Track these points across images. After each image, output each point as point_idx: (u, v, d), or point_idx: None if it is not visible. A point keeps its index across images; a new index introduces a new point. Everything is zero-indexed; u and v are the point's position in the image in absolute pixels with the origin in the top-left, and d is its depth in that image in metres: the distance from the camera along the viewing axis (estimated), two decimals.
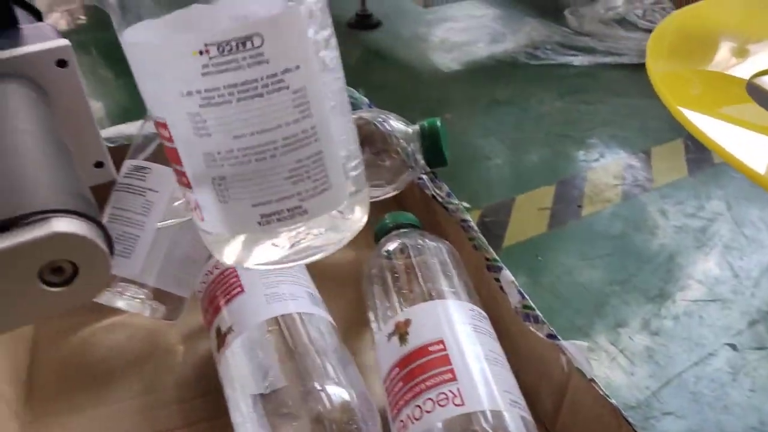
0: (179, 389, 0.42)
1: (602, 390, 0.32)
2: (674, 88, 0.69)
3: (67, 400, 0.41)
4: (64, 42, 0.38)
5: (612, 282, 0.90)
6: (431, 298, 0.36)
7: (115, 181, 0.47)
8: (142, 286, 0.46)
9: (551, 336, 0.36)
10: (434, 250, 0.40)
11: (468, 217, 0.46)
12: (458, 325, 0.34)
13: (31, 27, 0.41)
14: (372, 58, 1.78)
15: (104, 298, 0.46)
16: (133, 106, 1.35)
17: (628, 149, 1.21)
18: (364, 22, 1.96)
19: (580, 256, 0.96)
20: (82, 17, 1.87)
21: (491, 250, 0.42)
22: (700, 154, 1.15)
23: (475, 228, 0.45)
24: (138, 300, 0.46)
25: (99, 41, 1.58)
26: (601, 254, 0.97)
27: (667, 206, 1.06)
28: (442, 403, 0.31)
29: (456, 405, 0.30)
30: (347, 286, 0.49)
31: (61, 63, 0.38)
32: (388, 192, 0.53)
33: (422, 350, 0.33)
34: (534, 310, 0.37)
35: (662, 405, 0.72)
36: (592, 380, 0.32)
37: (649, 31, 1.40)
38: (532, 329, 0.37)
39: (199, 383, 0.44)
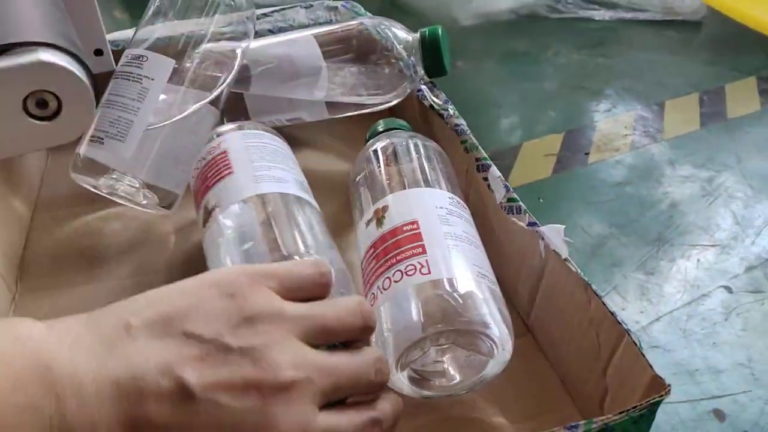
0: (169, 272, 0.44)
1: (574, 266, 0.32)
2: None
3: (58, 276, 0.43)
4: None
5: (611, 225, 0.90)
6: (410, 186, 0.37)
7: (114, 71, 0.48)
8: (134, 177, 0.47)
9: (532, 224, 0.36)
10: (420, 147, 0.41)
11: (462, 121, 0.46)
12: (433, 208, 0.35)
13: None
14: (389, 7, 1.76)
15: (100, 183, 0.47)
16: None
17: (642, 102, 1.20)
18: None
19: (582, 200, 0.96)
20: None
21: (482, 150, 0.43)
22: (715, 108, 1.13)
23: (468, 131, 0.45)
24: (133, 188, 0.47)
25: None
26: (603, 199, 0.97)
27: (676, 157, 1.05)
28: (409, 273, 0.32)
29: (423, 274, 0.31)
30: (339, 195, 0.50)
31: None
32: (386, 101, 0.54)
33: (396, 230, 0.34)
34: (517, 201, 0.38)
35: (650, 339, 0.72)
36: (566, 260, 0.33)
37: None
38: (514, 220, 0.37)
39: (189, 267, 0.45)
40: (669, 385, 0.27)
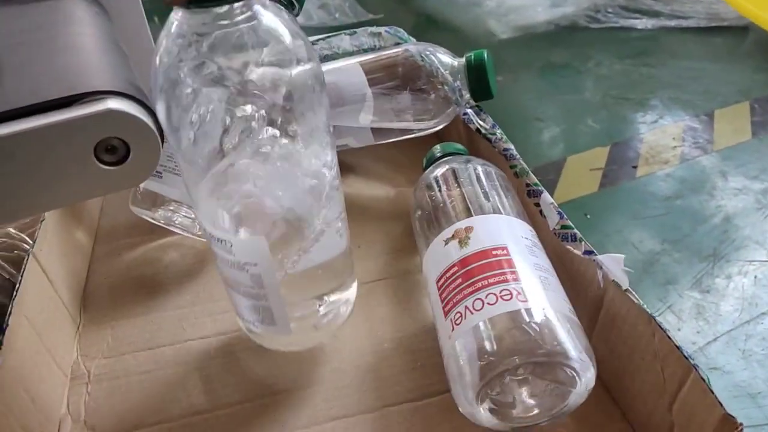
0: (227, 300, 0.45)
1: (637, 298, 0.31)
2: None
3: (119, 307, 0.44)
4: None
5: (664, 241, 0.88)
6: (487, 212, 0.36)
7: None
8: (190, 208, 0.48)
9: (588, 252, 0.35)
10: (483, 171, 0.40)
11: (511, 146, 0.46)
12: (519, 237, 0.35)
13: None
14: (425, 24, 1.77)
15: (158, 215, 0.48)
16: None
17: (690, 111, 1.17)
18: None
19: (632, 215, 0.94)
20: None
21: (532, 175, 0.42)
22: (766, 116, 1.10)
23: (518, 156, 0.45)
24: (189, 219, 0.49)
25: None
26: (654, 214, 0.95)
27: (728, 168, 1.02)
28: (505, 297, 0.31)
29: (521, 301, 0.30)
30: (386, 218, 0.50)
31: None
32: (432, 127, 0.54)
33: (485, 252, 0.33)
34: (572, 228, 0.37)
35: (708, 360, 0.70)
36: (627, 290, 0.32)
37: None
38: (570, 248, 0.37)
39: None
40: (741, 424, 0.26)
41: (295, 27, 0.31)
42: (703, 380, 0.28)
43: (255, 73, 0.29)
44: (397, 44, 0.59)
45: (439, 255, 0.36)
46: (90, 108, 0.27)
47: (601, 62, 1.33)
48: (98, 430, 0.37)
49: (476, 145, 0.52)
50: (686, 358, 0.29)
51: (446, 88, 0.52)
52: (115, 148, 0.29)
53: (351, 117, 0.54)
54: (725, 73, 1.25)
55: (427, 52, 0.53)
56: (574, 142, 1.11)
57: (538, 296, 0.30)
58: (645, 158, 1.01)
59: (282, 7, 0.31)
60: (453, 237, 0.35)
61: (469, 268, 0.33)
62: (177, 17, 0.29)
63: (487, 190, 0.39)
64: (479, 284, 0.32)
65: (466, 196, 0.38)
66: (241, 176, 0.31)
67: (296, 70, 0.30)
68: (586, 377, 0.30)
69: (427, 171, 0.45)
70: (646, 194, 0.94)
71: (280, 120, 0.30)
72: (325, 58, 0.60)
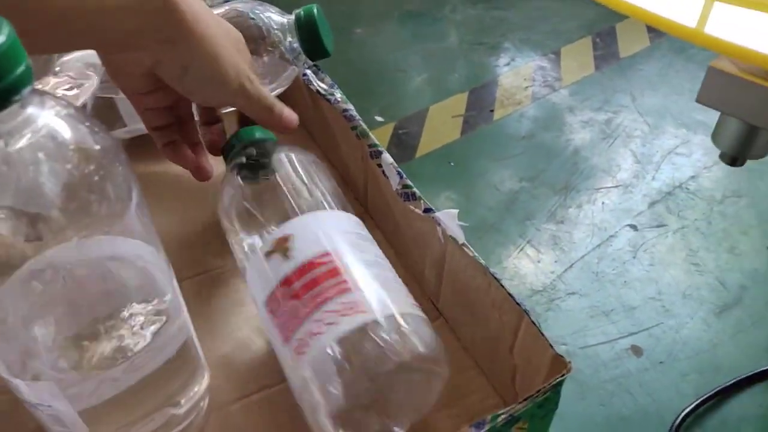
0: None
1: (472, 251, 0.32)
2: None
3: None
4: None
5: (522, 179, 0.92)
6: (305, 210, 0.34)
7: None
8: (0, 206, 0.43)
9: (427, 210, 0.35)
10: (298, 161, 0.38)
11: (350, 106, 0.45)
12: (344, 234, 0.33)
13: None
14: None
15: None
16: None
17: (539, 51, 1.21)
18: None
19: (492, 158, 0.97)
20: None
21: (372, 136, 0.41)
22: (607, 50, 1.17)
23: (357, 116, 0.44)
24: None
25: None
26: (512, 154, 0.98)
27: (575, 103, 1.07)
28: (345, 312, 0.29)
29: (361, 312, 0.28)
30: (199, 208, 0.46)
31: None
32: (273, 90, 0.51)
33: (310, 264, 0.31)
34: (412, 188, 0.37)
35: (566, 286, 0.75)
36: (463, 245, 0.33)
37: None
38: (411, 207, 0.37)
39: None
40: (569, 362, 0.27)
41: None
42: (534, 324, 0.29)
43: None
44: (226, 1, 0.55)
45: (263, 273, 0.32)
46: None
47: (456, 7, 1.35)
48: None
49: (319, 106, 0.50)
50: (518, 304, 0.30)
51: (282, 48, 0.49)
52: None
53: None
54: (569, 9, 1.31)
55: (257, 11, 0.49)
56: (436, 91, 1.12)
57: (379, 300, 0.28)
58: (500, 101, 1.05)
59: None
60: (274, 250, 0.32)
61: (296, 286, 0.30)
62: None
63: (306, 183, 0.37)
64: (314, 302, 0.29)
65: (282, 193, 0.35)
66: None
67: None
68: (442, 369, 0.29)
69: (230, 166, 0.39)
70: (503, 136, 0.97)
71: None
72: None
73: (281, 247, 0.31)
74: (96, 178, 0.24)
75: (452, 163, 0.96)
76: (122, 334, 0.30)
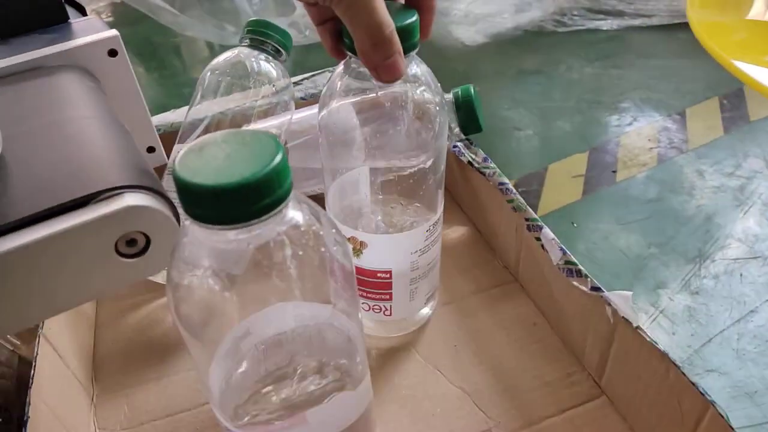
0: None
1: (648, 336, 0.32)
2: (721, 39, 0.66)
3: (130, 374, 0.44)
4: (113, 33, 0.40)
5: (650, 245, 0.90)
6: None
7: (166, 165, 0.49)
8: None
9: (595, 288, 0.36)
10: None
11: (506, 180, 0.47)
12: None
13: (81, 21, 0.43)
14: None
15: (161, 277, 0.48)
16: (164, 98, 1.38)
17: (663, 111, 1.19)
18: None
19: (616, 220, 0.96)
20: (109, 16, 1.91)
21: (530, 210, 0.43)
22: (736, 112, 1.13)
23: (513, 190, 0.46)
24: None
25: (127, 38, 1.61)
26: (637, 218, 0.97)
27: (704, 166, 1.04)
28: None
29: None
30: None
31: (112, 53, 0.40)
32: (425, 161, 0.55)
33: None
34: (576, 264, 0.38)
35: (705, 362, 0.72)
36: (638, 328, 0.33)
37: None
38: (576, 284, 0.38)
39: None
40: None
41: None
42: (722, 417, 0.29)
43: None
44: None
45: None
46: (108, 207, 0.27)
47: (572, 66, 1.36)
48: None
49: (467, 176, 0.53)
50: (702, 394, 0.30)
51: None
52: (135, 241, 0.29)
53: (342, 158, 0.55)
54: (692, 69, 1.28)
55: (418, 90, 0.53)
56: (553, 150, 1.13)
57: None
58: (623, 162, 1.04)
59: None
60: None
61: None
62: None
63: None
64: None
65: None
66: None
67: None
68: None
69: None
70: (628, 198, 0.96)
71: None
72: (311, 97, 0.61)
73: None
74: (330, 264, 0.28)
75: (575, 224, 0.96)
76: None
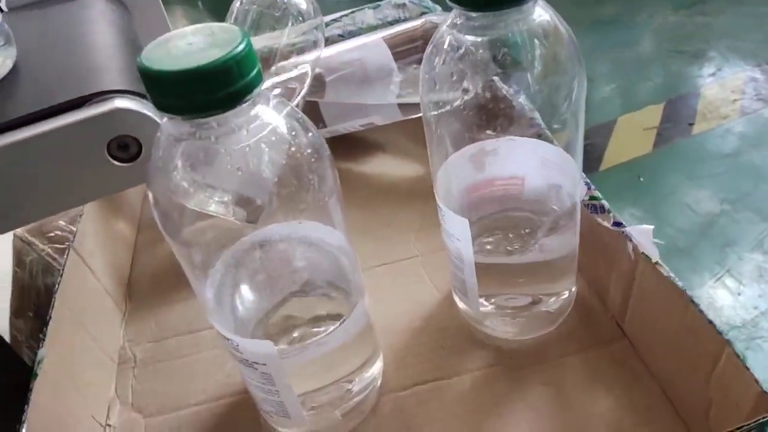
0: None
1: (667, 271, 0.30)
2: None
3: (161, 294, 0.46)
4: None
5: (723, 201, 0.83)
6: None
7: None
8: (225, 191, 0.49)
9: (617, 224, 0.34)
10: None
11: (536, 114, 0.44)
12: None
13: None
14: None
15: (193, 202, 0.50)
16: None
17: (751, 61, 1.09)
18: None
19: (688, 175, 0.90)
20: None
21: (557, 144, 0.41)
22: None
23: (542, 125, 0.43)
24: (223, 204, 0.50)
25: None
26: (712, 173, 0.90)
27: None
28: None
29: None
30: (417, 198, 0.49)
31: None
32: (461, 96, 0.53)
33: None
34: (600, 199, 0.36)
35: None
36: (657, 263, 0.31)
37: None
38: (599, 220, 0.35)
39: None
40: None
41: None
42: (738, 356, 0.27)
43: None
44: (423, 14, 0.57)
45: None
46: (98, 108, 0.28)
47: (654, 13, 1.26)
48: (145, 412, 0.39)
49: (502, 109, 0.51)
50: (719, 333, 0.28)
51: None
52: (127, 146, 0.29)
53: (378, 94, 0.54)
54: None
55: None
56: (626, 101, 1.06)
57: None
58: (702, 114, 0.96)
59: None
60: None
61: None
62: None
63: None
64: None
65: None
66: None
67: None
68: None
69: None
70: (703, 152, 0.89)
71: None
72: (349, 34, 0.59)
73: None
74: (306, 169, 0.27)
75: (641, 179, 0.90)
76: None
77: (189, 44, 0.22)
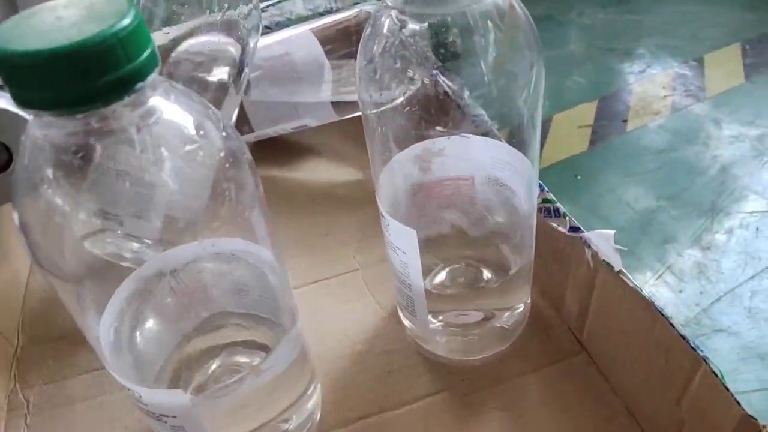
0: None
1: (632, 281, 0.27)
2: None
3: (59, 326, 0.40)
4: None
5: (659, 197, 0.83)
6: None
7: None
8: (110, 213, 0.43)
9: (574, 229, 0.31)
10: None
11: (481, 111, 0.41)
12: None
13: None
14: None
15: (74, 227, 0.44)
16: None
17: (679, 58, 1.11)
18: None
19: (625, 172, 0.90)
20: None
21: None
22: (759, 58, 1.05)
23: (488, 122, 0.40)
24: (110, 234, 0.44)
25: None
26: (648, 170, 0.90)
27: (722, 115, 0.97)
28: None
29: None
30: (354, 204, 0.46)
31: None
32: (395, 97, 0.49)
33: None
34: (554, 202, 0.33)
35: (713, 322, 0.66)
36: (620, 272, 0.28)
37: None
38: (554, 224, 0.32)
39: None
40: (764, 427, 0.22)
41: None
42: (715, 374, 0.24)
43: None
44: (356, 4, 0.53)
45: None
46: None
47: (584, 12, 1.27)
48: None
49: (445, 108, 0.47)
50: (693, 348, 0.25)
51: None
52: None
53: (309, 92, 0.49)
54: (713, 14, 1.19)
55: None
56: (559, 99, 1.06)
57: None
58: (635, 111, 0.96)
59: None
60: None
61: None
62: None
63: None
64: None
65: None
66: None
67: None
68: None
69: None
70: (638, 149, 0.89)
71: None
72: (276, 26, 0.55)
73: None
74: (220, 177, 0.22)
75: (578, 177, 0.90)
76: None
77: (58, 18, 0.17)
